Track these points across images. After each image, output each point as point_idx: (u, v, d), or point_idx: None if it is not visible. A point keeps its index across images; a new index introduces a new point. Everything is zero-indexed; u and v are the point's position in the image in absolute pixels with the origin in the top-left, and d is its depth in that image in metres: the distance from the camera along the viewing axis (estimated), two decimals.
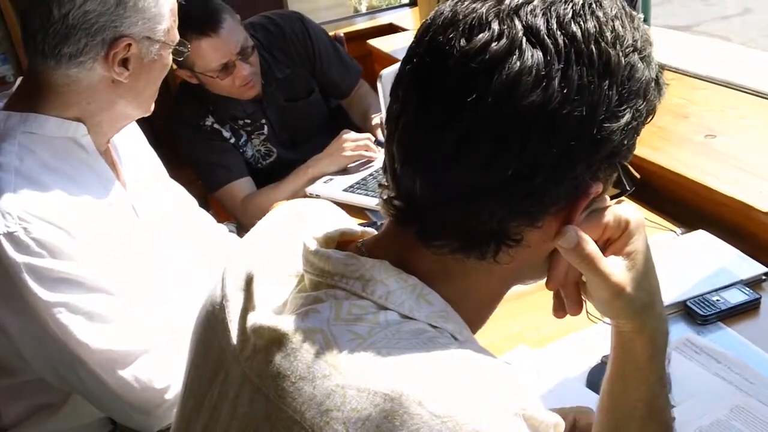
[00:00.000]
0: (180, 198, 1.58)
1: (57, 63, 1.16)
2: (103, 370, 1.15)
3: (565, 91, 0.57)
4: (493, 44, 0.58)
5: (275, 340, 0.62)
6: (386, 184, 0.67)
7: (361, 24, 3.24)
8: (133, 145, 1.42)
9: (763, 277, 1.34)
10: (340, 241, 0.70)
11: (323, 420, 0.56)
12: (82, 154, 1.23)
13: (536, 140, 0.58)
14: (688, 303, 1.27)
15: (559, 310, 0.74)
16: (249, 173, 2.18)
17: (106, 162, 1.28)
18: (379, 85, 1.54)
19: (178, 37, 1.26)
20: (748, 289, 1.30)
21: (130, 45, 1.16)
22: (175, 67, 1.98)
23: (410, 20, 3.14)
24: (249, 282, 0.70)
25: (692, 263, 1.37)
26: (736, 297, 1.28)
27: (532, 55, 0.57)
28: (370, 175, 1.99)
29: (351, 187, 1.94)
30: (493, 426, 0.54)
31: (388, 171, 0.66)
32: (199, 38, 1.92)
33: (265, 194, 2.07)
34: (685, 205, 1.56)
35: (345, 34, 2.75)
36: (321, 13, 2.57)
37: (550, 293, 0.75)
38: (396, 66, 1.65)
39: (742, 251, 1.40)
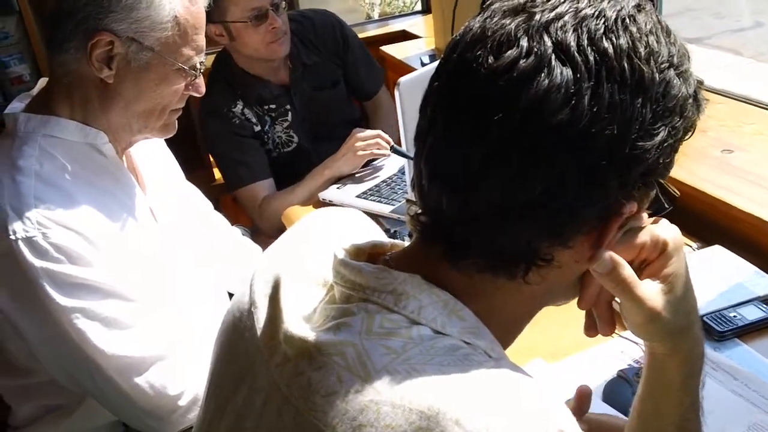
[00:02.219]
0: (196, 201, 1.58)
1: (53, 50, 1.17)
2: (118, 376, 1.15)
3: (595, 109, 0.56)
4: (522, 61, 0.57)
5: (305, 351, 0.62)
6: (413, 199, 0.66)
7: (374, 30, 3.24)
8: (151, 148, 1.42)
9: None
10: (370, 254, 0.70)
11: None
12: (102, 160, 1.23)
13: (565, 159, 0.57)
14: (704, 318, 1.27)
15: (591, 329, 0.73)
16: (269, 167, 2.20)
17: (126, 167, 1.28)
18: (396, 92, 1.53)
19: (192, 60, 1.21)
20: (765, 305, 1.29)
21: (112, 42, 1.14)
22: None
23: (423, 27, 3.13)
24: (276, 288, 0.70)
25: (709, 279, 1.36)
26: (753, 313, 1.27)
27: (561, 73, 0.57)
28: (383, 182, 1.99)
29: (364, 193, 1.94)
30: None
31: (415, 187, 0.65)
32: None
33: (282, 198, 2.08)
34: (702, 220, 1.56)
35: None
36: None
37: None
38: (414, 74, 1.66)
39: (758, 267, 1.39)
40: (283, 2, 2.07)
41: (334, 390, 0.58)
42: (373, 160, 2.09)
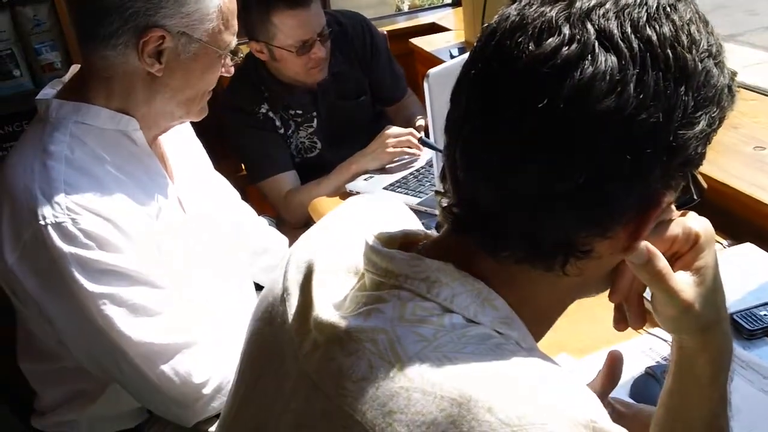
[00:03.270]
0: (223, 191, 1.59)
1: (95, 44, 1.17)
2: (144, 363, 1.16)
3: (641, 97, 0.56)
4: (564, 49, 0.56)
5: (336, 337, 0.62)
6: (444, 191, 0.66)
7: (403, 23, 3.23)
8: (180, 137, 1.42)
9: None
10: (403, 242, 0.69)
11: (386, 421, 0.55)
12: (132, 147, 1.24)
13: (610, 147, 0.56)
14: (734, 316, 1.25)
15: (621, 322, 0.73)
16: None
17: (155, 155, 1.29)
18: (425, 84, 1.52)
19: (231, 43, 1.24)
20: None
21: (163, 37, 1.15)
22: (246, 39, 2.02)
23: (452, 20, 3.12)
24: (308, 276, 0.70)
25: (739, 276, 1.35)
26: None
27: (606, 60, 0.56)
28: (411, 174, 1.98)
29: (391, 185, 1.94)
30: None
31: (448, 178, 0.65)
32: (289, 10, 1.97)
33: (308, 190, 2.08)
34: (733, 216, 1.54)
35: (387, 32, 2.74)
36: (363, 11, 2.57)
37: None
38: (443, 66, 1.66)
39: None
40: (327, 33, 2.07)
41: (364, 376, 0.58)
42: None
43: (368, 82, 2.32)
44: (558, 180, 0.57)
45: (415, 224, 0.80)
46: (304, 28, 1.99)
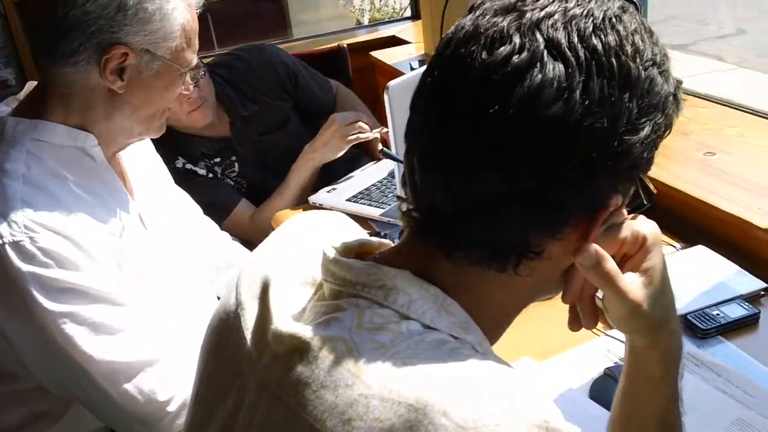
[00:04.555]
0: (185, 206, 1.58)
1: (54, 61, 1.15)
2: (107, 382, 1.14)
3: (586, 103, 0.58)
4: (515, 57, 0.59)
5: (296, 348, 0.63)
6: (405, 196, 0.67)
7: (363, 36, 3.25)
8: (140, 153, 1.41)
9: (762, 293, 1.36)
10: (358, 252, 0.70)
11: (345, 429, 0.56)
12: (91, 164, 1.22)
13: (558, 151, 0.59)
14: (688, 317, 1.29)
15: (575, 323, 0.74)
16: None
17: (115, 171, 1.28)
18: (386, 96, 1.54)
19: (192, 61, 1.24)
20: (747, 303, 1.32)
21: (126, 54, 1.15)
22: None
23: (412, 33, 3.15)
24: (265, 289, 0.71)
25: (692, 278, 1.39)
26: (736, 311, 1.30)
27: (554, 68, 0.58)
28: (374, 185, 2.00)
29: (354, 197, 1.95)
30: None
31: (407, 183, 0.66)
32: None
33: (273, 204, 2.04)
34: (685, 220, 1.58)
35: (347, 45, 2.77)
36: (323, 24, 2.58)
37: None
38: (403, 78, 1.68)
39: (741, 267, 1.41)
40: (203, 68, 1.98)
41: (324, 384, 0.59)
42: (358, 146, 2.05)
43: (292, 105, 2.24)
44: (509, 184, 0.59)
45: (359, 232, 0.81)
46: None
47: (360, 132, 2.00)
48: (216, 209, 1.95)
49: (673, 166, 1.69)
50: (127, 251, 1.22)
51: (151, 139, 1.98)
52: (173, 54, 1.20)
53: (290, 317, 0.67)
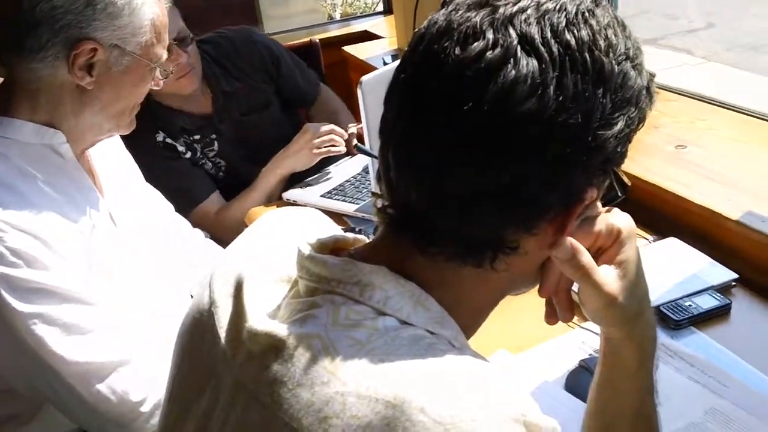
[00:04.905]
0: (156, 203, 1.57)
1: (20, 56, 1.13)
2: (79, 383, 1.13)
3: (560, 99, 0.58)
4: (488, 53, 0.58)
5: (272, 346, 0.62)
6: (380, 192, 0.67)
7: (336, 31, 3.24)
8: (109, 150, 1.39)
9: (733, 283, 1.38)
10: (333, 248, 0.70)
11: (321, 427, 0.56)
12: (59, 162, 1.20)
13: (532, 147, 0.59)
14: (661, 308, 1.30)
15: (551, 316, 0.75)
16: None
17: (84, 169, 1.26)
18: (359, 91, 1.54)
19: (162, 57, 1.22)
20: (718, 294, 1.33)
21: (95, 50, 1.13)
22: None
23: (384, 27, 3.15)
24: (239, 287, 0.70)
25: (664, 269, 1.40)
26: (708, 302, 1.31)
27: (527, 64, 0.58)
28: (348, 180, 1.99)
29: (328, 193, 1.94)
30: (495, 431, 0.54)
31: (382, 179, 0.66)
32: None
33: (238, 205, 2.03)
34: (657, 213, 1.60)
35: (319, 40, 2.75)
36: (295, 19, 2.56)
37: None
38: (376, 73, 1.68)
39: (712, 258, 1.43)
40: (190, 35, 1.98)
41: (300, 382, 0.59)
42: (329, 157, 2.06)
43: (274, 90, 2.25)
44: (484, 180, 0.59)
45: (332, 228, 0.81)
46: None
47: (332, 145, 2.00)
48: (185, 197, 1.98)
49: (645, 159, 1.71)
50: (97, 250, 1.20)
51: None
52: (143, 49, 1.18)
53: (265, 315, 0.67)
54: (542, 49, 0.59)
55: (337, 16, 5.68)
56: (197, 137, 2.10)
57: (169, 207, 1.62)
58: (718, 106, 1.99)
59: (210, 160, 2.14)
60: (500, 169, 0.59)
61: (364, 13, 3.89)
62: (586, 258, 0.67)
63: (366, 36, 3.12)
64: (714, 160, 1.70)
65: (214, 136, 2.12)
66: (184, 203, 2.00)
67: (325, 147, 1.99)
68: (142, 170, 2.06)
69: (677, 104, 2.01)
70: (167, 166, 2.02)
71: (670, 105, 1.99)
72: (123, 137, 1.99)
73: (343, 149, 2.01)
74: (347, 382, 0.57)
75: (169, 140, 2.07)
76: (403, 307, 0.62)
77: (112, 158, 1.39)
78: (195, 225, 2.04)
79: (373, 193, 0.69)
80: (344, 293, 0.63)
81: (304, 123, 2.24)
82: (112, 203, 1.30)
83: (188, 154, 2.10)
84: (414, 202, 0.62)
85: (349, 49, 2.93)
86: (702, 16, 6.68)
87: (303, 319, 0.63)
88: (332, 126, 2.03)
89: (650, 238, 1.53)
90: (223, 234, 2.02)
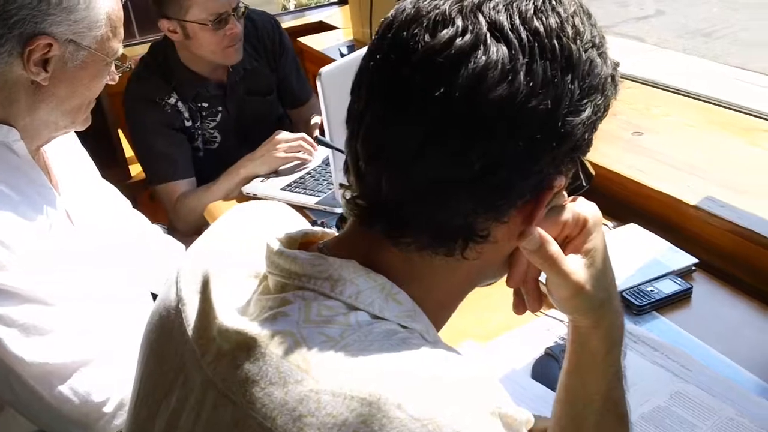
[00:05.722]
0: (114, 200, 1.53)
1: None
2: (40, 384, 1.11)
3: (530, 85, 0.58)
4: (458, 40, 0.58)
5: (243, 344, 0.61)
6: (348, 183, 0.66)
7: (291, 22, 3.21)
8: (64, 147, 1.36)
9: (693, 268, 1.40)
10: (302, 243, 0.69)
11: (296, 426, 0.55)
12: (14, 159, 1.18)
13: (503, 134, 0.58)
14: (623, 294, 1.32)
15: (520, 306, 0.75)
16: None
17: (39, 166, 1.23)
18: (318, 83, 1.52)
19: (118, 51, 1.21)
20: (679, 279, 1.36)
21: (51, 45, 1.11)
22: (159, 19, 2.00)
23: (339, 18, 3.13)
24: (206, 284, 0.69)
25: (626, 256, 1.42)
26: (669, 287, 1.34)
27: (497, 50, 0.58)
28: (308, 173, 1.97)
29: (289, 185, 1.92)
30: (473, 426, 0.54)
31: (351, 170, 0.65)
32: None
33: (197, 196, 2.03)
34: (617, 200, 1.62)
35: None
36: None
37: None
38: (335, 64, 1.66)
39: (672, 243, 1.45)
40: (244, 7, 2.03)
41: (272, 381, 0.58)
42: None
43: (276, 80, 2.31)
44: (457, 167, 0.59)
45: (300, 222, 0.80)
46: (219, 0, 1.95)
47: (298, 151, 2.02)
48: (167, 166, 2.08)
49: (603, 146, 1.73)
50: (55, 249, 1.18)
51: (146, 71, 2.08)
52: (99, 43, 1.16)
53: (235, 311, 0.65)
54: (511, 35, 0.59)
55: (292, 7, 5.63)
56: (206, 104, 2.15)
57: (126, 203, 1.59)
58: (672, 92, 2.03)
59: (206, 132, 2.18)
60: (472, 156, 0.59)
61: (318, 4, 3.85)
62: (554, 248, 0.67)
63: (321, 27, 3.10)
64: (671, 146, 1.72)
65: (220, 108, 2.17)
66: (163, 172, 2.08)
67: (291, 152, 2.00)
68: (138, 127, 2.11)
69: (633, 91, 2.04)
70: (166, 132, 2.09)
71: (626, 92, 1.99)
72: (135, 92, 2.06)
73: (309, 158, 2.03)
74: (321, 379, 0.56)
75: (179, 104, 2.11)
76: (375, 301, 0.62)
77: (67, 155, 1.36)
78: (158, 195, 2.08)
79: (341, 185, 0.68)
80: (315, 289, 0.62)
81: (290, 124, 2.33)
82: (69, 201, 1.28)
83: (189, 122, 2.13)
84: (385, 191, 0.62)
85: (304, 40, 2.91)
86: (653, 3, 6.79)
87: (274, 316, 0.62)
88: (303, 135, 2.04)
89: (610, 225, 1.55)
90: (176, 219, 2.05)
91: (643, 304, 1.30)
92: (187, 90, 2.11)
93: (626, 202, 1.62)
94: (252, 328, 0.61)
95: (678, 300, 1.33)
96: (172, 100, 2.10)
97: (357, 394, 0.54)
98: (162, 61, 2.10)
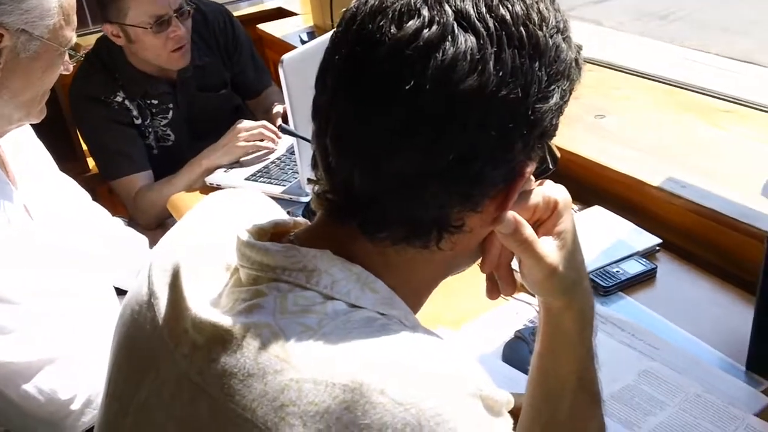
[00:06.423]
0: (72, 193, 1.50)
1: None
2: (4, 384, 1.10)
3: (500, 74, 0.58)
4: (425, 30, 0.57)
5: (218, 336, 0.60)
6: (317, 178, 0.65)
7: (248, 8, 3.16)
8: (19, 140, 1.33)
9: (657, 248, 1.42)
10: (274, 233, 0.68)
11: (278, 416, 0.54)
12: None
13: (475, 124, 0.58)
14: (590, 275, 1.33)
15: (493, 291, 0.75)
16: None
17: None
18: (281, 71, 1.49)
19: (71, 40, 1.18)
20: (644, 259, 1.38)
21: (1, 36, 1.08)
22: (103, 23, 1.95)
23: (299, 4, 3.09)
24: (176, 276, 0.67)
25: (591, 238, 1.43)
26: (634, 267, 1.35)
27: (466, 40, 0.57)
28: (272, 162, 1.95)
29: (253, 175, 1.90)
30: (455, 409, 0.54)
31: (320, 165, 0.64)
32: None
33: (158, 189, 1.99)
34: (580, 183, 1.63)
35: None
36: None
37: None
38: (298, 51, 1.63)
39: (636, 224, 1.47)
40: (189, 9, 1.97)
41: (251, 373, 0.57)
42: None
43: (230, 75, 2.25)
44: (430, 160, 0.59)
45: (278, 213, 0.79)
46: (158, 2, 1.89)
47: (260, 139, 1.98)
48: (123, 162, 2.04)
49: (566, 129, 1.70)
50: (14, 244, 1.15)
51: (91, 68, 2.01)
52: (51, 33, 1.13)
53: (208, 303, 0.64)
54: (479, 24, 0.58)
55: None
56: (155, 102, 2.09)
57: (86, 196, 1.55)
58: (632, 74, 2.05)
59: (157, 130, 2.13)
60: (445, 148, 0.58)
61: None
62: (528, 231, 0.68)
63: (280, 13, 3.06)
64: (632, 129, 1.75)
65: (171, 105, 2.12)
66: (118, 167, 2.04)
67: (252, 141, 1.97)
68: (87, 125, 2.05)
69: (594, 74, 2.05)
70: (117, 128, 2.04)
71: (588, 75, 1.99)
72: (80, 90, 2.00)
73: (271, 146, 2.00)
74: (302, 368, 0.56)
75: (126, 102, 2.05)
76: (351, 290, 0.61)
77: (22, 149, 1.33)
78: (116, 191, 2.05)
79: (309, 180, 0.67)
80: (290, 280, 0.61)
81: (246, 111, 2.29)
82: (27, 195, 1.25)
83: (138, 120, 2.08)
84: (357, 186, 0.61)
85: (263, 26, 2.87)
86: None
87: (248, 309, 0.61)
88: (263, 122, 2.02)
89: (575, 207, 1.56)
90: (136, 213, 2.01)
91: (610, 285, 1.32)
92: (135, 89, 2.06)
93: (590, 184, 1.64)
94: (226, 320, 0.60)
95: (643, 280, 1.35)
96: (119, 98, 2.04)
97: (339, 380, 0.54)
98: (107, 58, 2.03)
